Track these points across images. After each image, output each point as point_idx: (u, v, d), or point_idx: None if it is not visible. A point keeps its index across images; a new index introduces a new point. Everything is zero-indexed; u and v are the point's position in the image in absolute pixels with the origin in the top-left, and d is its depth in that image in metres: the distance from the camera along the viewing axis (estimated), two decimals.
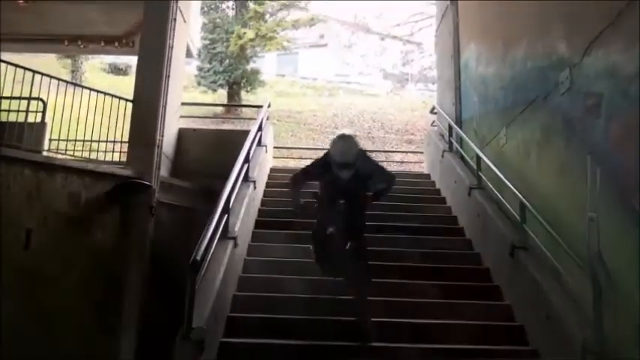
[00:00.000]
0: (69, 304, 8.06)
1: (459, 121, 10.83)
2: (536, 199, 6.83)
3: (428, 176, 12.21)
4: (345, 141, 6.27)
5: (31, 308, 7.75)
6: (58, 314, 7.95)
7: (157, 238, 9.28)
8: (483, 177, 8.72)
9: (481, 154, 8.74)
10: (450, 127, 11.03)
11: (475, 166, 9.05)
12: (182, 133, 12.35)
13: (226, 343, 5.90)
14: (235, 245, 7.09)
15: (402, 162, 19.21)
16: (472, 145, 9.36)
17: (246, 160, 8.79)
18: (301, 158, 17.53)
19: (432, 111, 13.17)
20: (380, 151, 20.67)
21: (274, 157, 13.73)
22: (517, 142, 7.83)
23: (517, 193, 7.09)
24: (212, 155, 11.14)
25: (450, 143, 11.03)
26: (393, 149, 20.85)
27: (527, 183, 7.20)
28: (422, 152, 15.20)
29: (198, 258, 5.39)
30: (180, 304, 5.35)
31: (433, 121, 13.24)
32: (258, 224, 8.84)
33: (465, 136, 10.07)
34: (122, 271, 8.72)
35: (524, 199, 6.91)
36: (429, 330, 6.39)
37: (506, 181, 7.50)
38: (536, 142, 7.20)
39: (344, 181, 6.23)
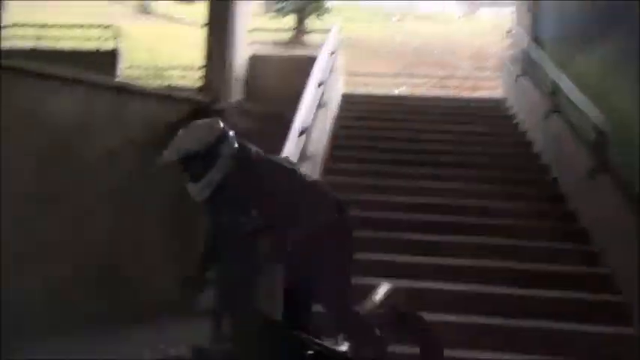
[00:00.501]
0: (149, 226, 8.36)
1: (535, 44, 10.48)
2: (616, 122, 6.63)
3: (503, 101, 11.96)
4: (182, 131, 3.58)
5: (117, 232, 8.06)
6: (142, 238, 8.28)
7: None
8: (560, 100, 8.49)
9: (559, 77, 8.48)
10: (526, 50, 10.70)
11: (552, 89, 8.80)
12: (253, 59, 12.37)
13: None
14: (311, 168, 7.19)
15: (475, 88, 18.88)
16: (549, 67, 9.08)
17: (317, 85, 8.77)
18: (371, 85, 17.42)
19: (508, 34, 12.80)
20: (452, 77, 20.33)
21: (345, 84, 13.64)
22: (597, 63, 7.56)
23: (595, 115, 6.88)
24: (282, 81, 11.15)
25: (526, 66, 10.73)
26: (466, 76, 20.44)
27: (607, 105, 6.98)
28: (496, 77, 14.88)
29: None
30: None
31: (509, 45, 12.86)
32: (330, 148, 8.95)
33: (541, 58, 9.76)
34: None
35: (602, 122, 6.72)
36: (503, 250, 6.42)
37: (584, 104, 7.28)
38: (617, 64, 6.95)
39: (212, 211, 3.70)
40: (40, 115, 7.46)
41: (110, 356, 5.56)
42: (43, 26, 10.55)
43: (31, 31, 10.39)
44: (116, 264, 7.88)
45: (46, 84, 7.58)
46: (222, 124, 3.61)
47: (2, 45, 9.96)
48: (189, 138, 3.49)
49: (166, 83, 10.37)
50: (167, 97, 8.98)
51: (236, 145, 3.58)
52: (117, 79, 9.55)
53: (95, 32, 9.80)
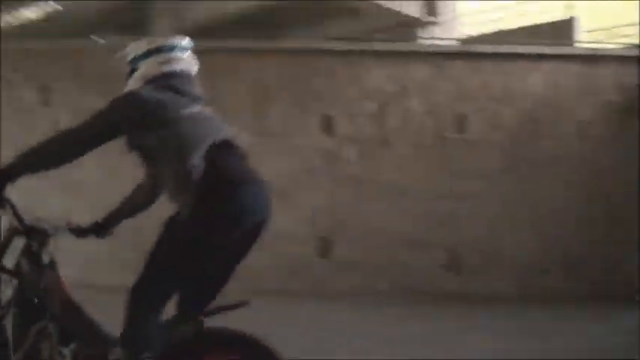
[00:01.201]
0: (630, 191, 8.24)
1: None
2: None
3: None
4: None
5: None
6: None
7: None
8: None
9: None
10: None
11: None
12: None
13: None
14: None
15: None
16: None
17: None
18: None
19: None
20: None
21: None
22: None
23: None
24: None
25: None
26: None
27: None
28: None
29: None
30: None
31: None
32: None
33: None
34: None
35: None
36: None
37: None
38: None
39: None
40: (511, 92, 8.22)
41: None
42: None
43: (490, 15, 11.02)
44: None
45: (514, 63, 8.34)
46: (164, 42, 2.73)
47: (467, 32, 10.86)
48: (134, 46, 2.74)
49: (626, 42, 9.92)
50: (633, 57, 8.60)
51: (166, 69, 2.65)
52: (581, 47, 9.51)
53: (546, 4, 9.91)
